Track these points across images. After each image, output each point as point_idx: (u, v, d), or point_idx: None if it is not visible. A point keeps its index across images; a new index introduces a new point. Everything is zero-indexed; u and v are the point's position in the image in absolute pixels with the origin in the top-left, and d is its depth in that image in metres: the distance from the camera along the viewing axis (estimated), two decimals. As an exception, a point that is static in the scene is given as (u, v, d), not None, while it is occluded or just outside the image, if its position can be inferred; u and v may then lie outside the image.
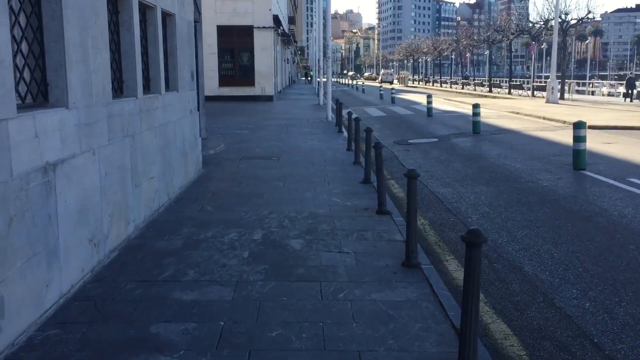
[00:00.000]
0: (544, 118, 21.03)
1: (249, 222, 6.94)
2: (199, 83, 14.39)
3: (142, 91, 6.88)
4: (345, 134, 16.66)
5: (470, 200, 8.59)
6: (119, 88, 6.41)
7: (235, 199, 8.17)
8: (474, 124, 16.45)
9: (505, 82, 52.13)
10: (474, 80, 57.24)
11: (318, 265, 5.42)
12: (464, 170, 10.97)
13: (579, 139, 10.35)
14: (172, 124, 8.27)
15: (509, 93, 44.25)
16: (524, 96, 40.49)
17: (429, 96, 23.38)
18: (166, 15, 8.38)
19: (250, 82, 33.75)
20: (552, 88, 31.71)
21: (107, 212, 5.52)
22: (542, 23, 40.67)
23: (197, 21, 13.83)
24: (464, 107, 28.76)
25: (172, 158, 8.20)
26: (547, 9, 41.90)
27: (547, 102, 31.42)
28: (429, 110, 23.02)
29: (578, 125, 10.42)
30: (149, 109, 7.04)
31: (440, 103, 31.79)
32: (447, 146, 14.41)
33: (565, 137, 15.52)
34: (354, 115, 13.81)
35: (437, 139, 15.71)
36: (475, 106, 16.40)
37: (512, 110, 24.84)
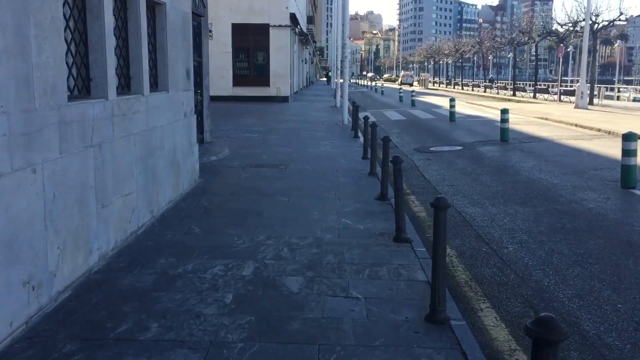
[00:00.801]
0: (576, 125, 19.60)
1: (240, 250, 5.78)
2: (204, 83, 13.34)
3: (117, 91, 5.77)
4: (362, 139, 15.46)
5: (504, 224, 7.34)
6: (84, 87, 5.31)
7: (230, 218, 7.02)
8: (502, 131, 15.13)
9: (530, 86, 50.48)
10: (497, 83, 55.57)
11: (318, 317, 4.25)
12: (495, 186, 9.71)
13: (628, 152, 9.03)
14: (159, 129, 7.15)
15: (534, 97, 42.60)
16: (550, 100, 38.87)
17: (452, 100, 22.06)
18: (155, 4, 7.28)
19: (265, 82, 32.73)
20: (582, 93, 30.12)
21: (55, 243, 4.40)
22: (570, 25, 38.99)
23: (202, 15, 12.76)
24: (488, 112, 27.37)
25: (158, 169, 7.08)
26: (577, 10, 40.22)
27: (576, 107, 29.86)
28: (452, 114, 21.70)
29: (628, 137, 9.09)
30: (125, 112, 5.93)
31: (463, 107, 30.38)
32: (473, 155, 13.13)
33: (604, 147, 14.15)
34: (371, 120, 12.63)
35: (461, 147, 14.43)
36: (504, 112, 15.08)
37: (541, 116, 23.41)
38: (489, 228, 7.17)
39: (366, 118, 12.26)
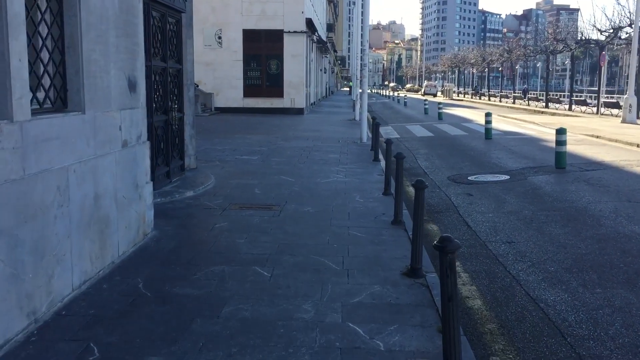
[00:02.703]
0: (638, 145, 16.53)
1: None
2: (187, 96, 10.74)
3: None
4: (383, 163, 12.70)
5: (616, 332, 4.47)
6: None
7: (164, 323, 4.28)
8: (558, 156, 12.17)
9: (564, 97, 47.26)
10: (530, 94, 52.25)
11: None
12: (573, 245, 6.81)
13: None
14: (57, 173, 4.47)
15: (570, 109, 39.37)
16: (589, 113, 35.60)
17: (488, 114, 19.10)
18: (54, -25, 4.63)
19: (279, 93, 30.19)
20: (630, 106, 26.94)
21: None
22: (611, 31, 35.78)
23: (183, 10, 10.16)
24: (527, 127, 24.34)
25: (53, 238, 4.39)
26: (620, 14, 36.99)
27: (624, 122, 26.67)
28: (488, 131, 18.75)
29: None
30: (-51, 155, 3.24)
31: (496, 121, 27.27)
32: (526, 190, 10.22)
33: (693, 178, 11.12)
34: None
35: (507, 177, 11.52)
36: (561, 132, 12.11)
37: (589, 133, 20.34)
38: (595, 343, 4.30)
39: (389, 142, 9.44)
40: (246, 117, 27.01)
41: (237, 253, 6.00)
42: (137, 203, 6.17)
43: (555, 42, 41.73)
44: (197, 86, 29.43)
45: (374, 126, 14.03)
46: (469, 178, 11.45)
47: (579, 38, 37.84)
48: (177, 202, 8.38)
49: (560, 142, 12.07)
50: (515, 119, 30.01)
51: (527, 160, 13.69)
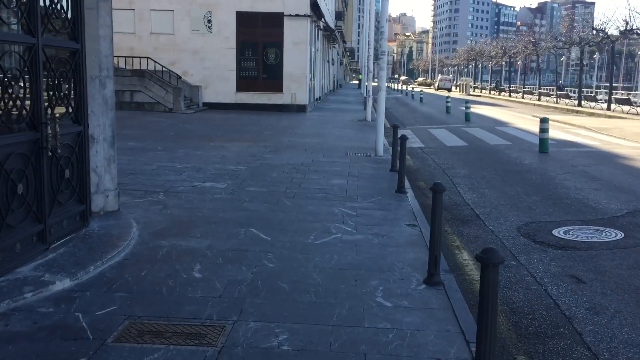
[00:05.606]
0: None
1: None
2: (101, 95, 6.51)
3: None
4: (411, 196, 8.43)
5: None
6: None
7: None
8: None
9: (602, 94, 42.62)
10: (560, 91, 47.49)
11: None
12: None
13: None
14: None
15: (608, 108, 34.76)
16: (633, 114, 31.07)
17: (544, 120, 14.66)
18: None
19: (278, 87, 25.87)
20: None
21: None
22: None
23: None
24: (580, 134, 19.89)
25: None
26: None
27: (689, 126, 22.17)
28: (544, 142, 14.37)
29: None
30: None
31: (535, 124, 22.77)
32: (673, 268, 5.87)
33: None
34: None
35: (619, 233, 7.15)
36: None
37: (668, 144, 15.90)
38: None
39: (437, 190, 5.06)
40: (238, 115, 22.75)
41: None
42: None
43: (593, 32, 37.08)
44: (180, 77, 25.19)
45: (399, 143, 9.69)
46: (554, 233, 7.11)
47: (623, 28, 33.09)
48: (16, 319, 4.12)
49: (695, 175, 7.68)
50: (557, 121, 25.47)
51: (627, 195, 9.29)
